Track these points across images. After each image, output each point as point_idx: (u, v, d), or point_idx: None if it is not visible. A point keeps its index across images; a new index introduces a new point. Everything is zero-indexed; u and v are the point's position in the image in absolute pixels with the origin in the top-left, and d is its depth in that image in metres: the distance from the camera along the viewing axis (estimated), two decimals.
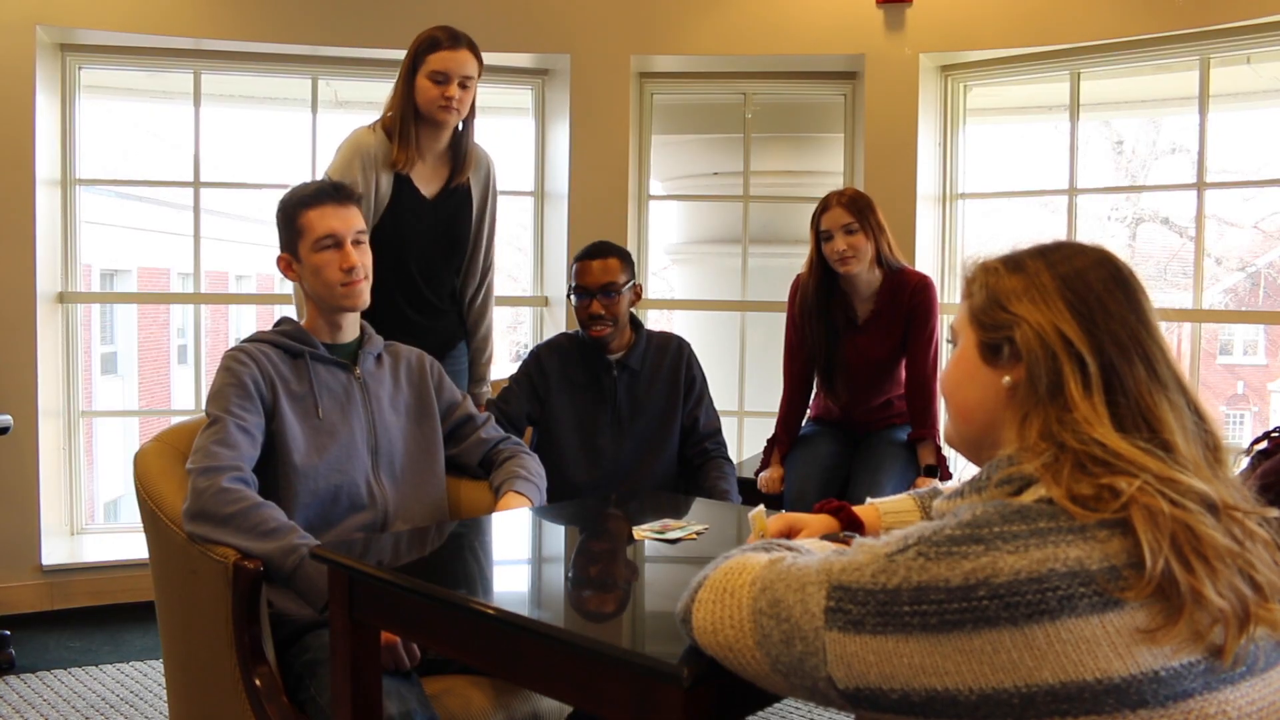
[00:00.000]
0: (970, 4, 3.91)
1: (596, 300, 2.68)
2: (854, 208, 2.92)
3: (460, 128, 2.80)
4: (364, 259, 2.08)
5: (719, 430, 2.89)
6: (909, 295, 2.97)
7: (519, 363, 2.94)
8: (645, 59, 4.18)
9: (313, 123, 4.15)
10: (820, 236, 2.96)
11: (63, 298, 4.00)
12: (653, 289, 4.42)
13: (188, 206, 4.18)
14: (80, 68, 4.02)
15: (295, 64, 4.11)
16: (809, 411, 3.25)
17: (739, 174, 4.44)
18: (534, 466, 2.23)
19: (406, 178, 2.73)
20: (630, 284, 2.74)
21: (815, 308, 3.03)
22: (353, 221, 2.07)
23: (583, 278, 2.71)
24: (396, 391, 2.16)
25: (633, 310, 2.80)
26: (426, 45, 2.70)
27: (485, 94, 4.48)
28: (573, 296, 2.74)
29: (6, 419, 3.38)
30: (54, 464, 3.97)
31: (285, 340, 2.05)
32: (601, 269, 2.69)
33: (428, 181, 2.78)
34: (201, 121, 4.15)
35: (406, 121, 2.69)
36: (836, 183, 4.27)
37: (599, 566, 1.73)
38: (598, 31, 4.08)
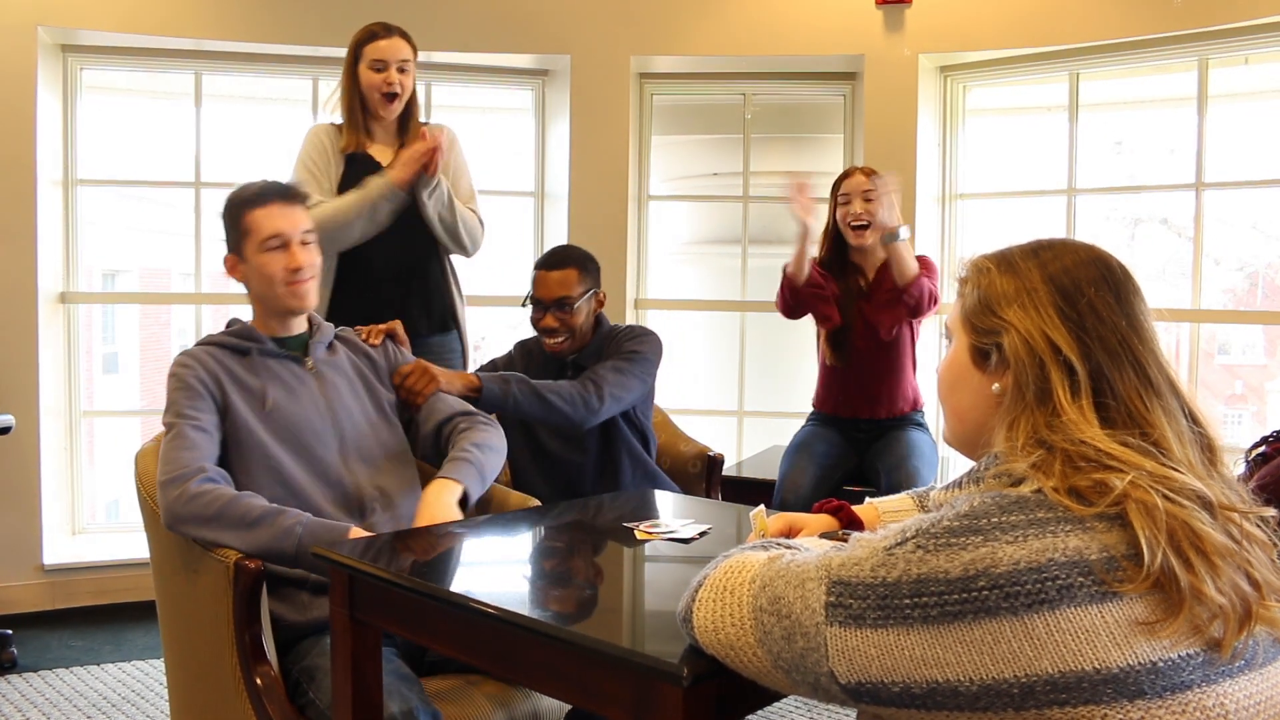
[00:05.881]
0: (969, 5, 3.92)
1: (550, 314, 2.57)
2: (875, 178, 2.99)
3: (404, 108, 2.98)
4: (311, 258, 2.05)
5: (597, 370, 2.54)
6: None
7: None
8: (645, 60, 4.19)
9: (314, 123, 4.15)
10: (838, 201, 3.01)
11: (64, 298, 4.01)
12: (653, 289, 4.42)
13: (189, 207, 4.19)
14: (82, 68, 4.03)
15: (295, 65, 4.12)
16: (813, 403, 3.25)
17: (739, 174, 4.45)
18: (483, 437, 2.12)
19: (363, 154, 2.92)
20: (589, 294, 2.62)
21: (831, 269, 3.09)
22: (299, 221, 2.05)
23: (538, 289, 2.59)
24: (356, 377, 2.14)
25: (600, 313, 2.69)
26: (364, 39, 2.92)
27: (485, 94, 4.51)
28: (529, 305, 2.63)
29: (8, 419, 3.39)
30: (56, 463, 3.98)
31: (232, 340, 2.04)
32: (558, 281, 2.57)
33: (384, 156, 2.93)
34: (202, 122, 4.16)
35: (354, 110, 2.92)
36: None
37: (599, 566, 1.73)
38: (598, 32, 4.09)
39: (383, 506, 2.03)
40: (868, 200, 2.97)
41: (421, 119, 3.10)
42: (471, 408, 2.27)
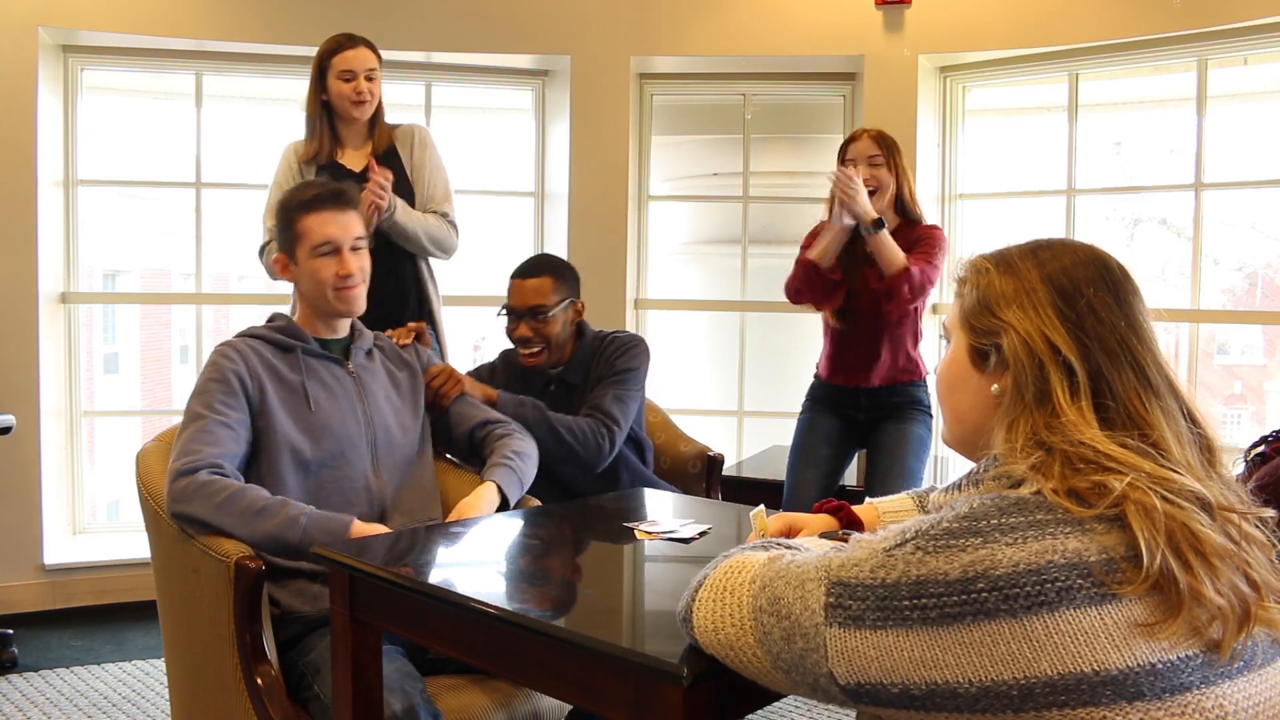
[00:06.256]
0: (969, 5, 3.92)
1: (524, 323, 2.52)
2: (882, 142, 2.97)
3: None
4: (362, 263, 2.09)
5: (604, 405, 2.49)
6: (918, 234, 2.99)
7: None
8: (645, 60, 4.19)
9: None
10: (844, 165, 2.98)
11: (65, 298, 4.01)
12: (653, 289, 4.43)
13: (190, 207, 4.20)
14: (82, 69, 4.03)
15: (295, 65, 4.12)
16: (816, 369, 3.23)
17: (739, 174, 4.45)
18: (521, 446, 2.20)
19: (333, 162, 2.99)
20: (566, 303, 2.56)
21: None
22: (352, 227, 2.08)
23: (512, 297, 2.55)
24: (391, 384, 2.17)
25: (581, 321, 2.64)
26: (330, 50, 2.99)
27: (485, 94, 4.51)
28: (504, 314, 2.59)
29: (9, 419, 3.39)
30: (56, 463, 3.98)
31: (277, 335, 2.06)
32: (533, 289, 2.52)
33: (354, 162, 3.02)
34: (203, 122, 4.16)
35: (315, 120, 3.02)
36: None
37: (599, 566, 1.74)
38: (598, 33, 4.09)
39: (403, 515, 2.05)
40: (873, 165, 2.95)
41: (417, 119, 3.13)
42: (501, 415, 2.30)
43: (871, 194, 2.93)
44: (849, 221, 2.90)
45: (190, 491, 1.82)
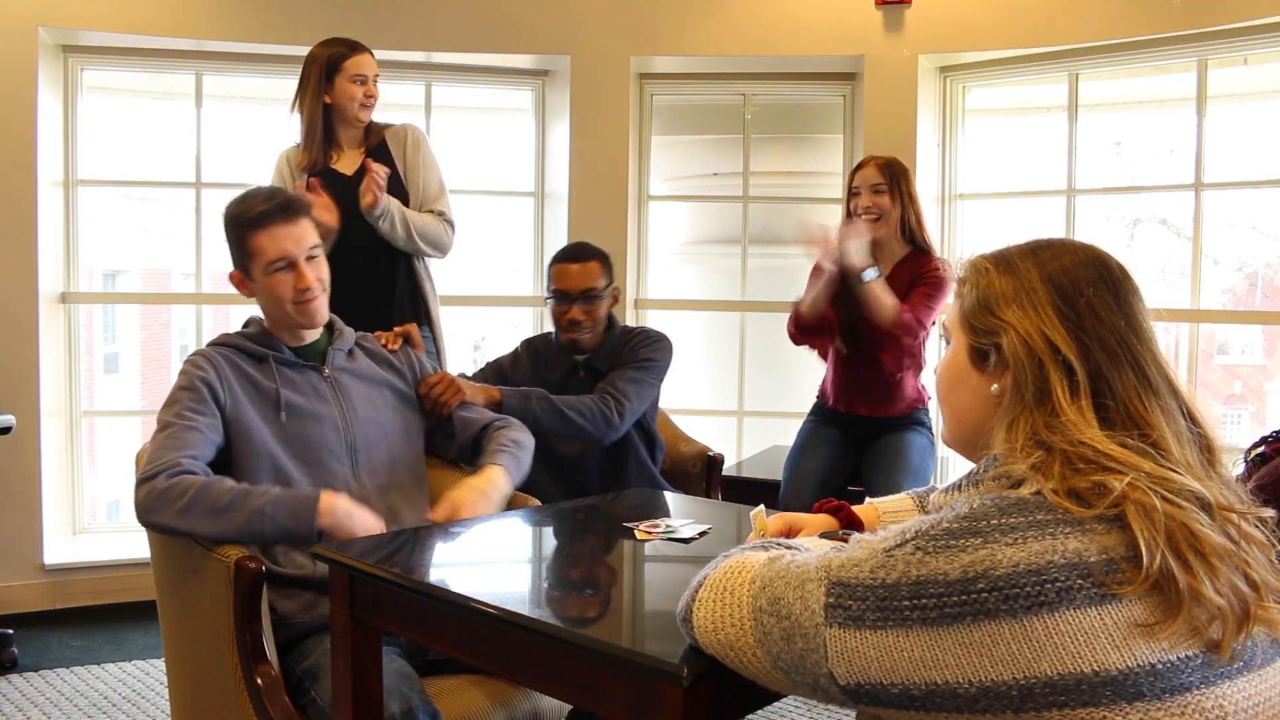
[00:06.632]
0: (969, 5, 3.93)
1: (576, 306, 2.61)
2: (887, 170, 3.00)
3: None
4: (319, 273, 2.03)
5: (617, 383, 2.58)
6: (925, 269, 2.99)
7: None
8: (645, 60, 4.19)
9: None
10: (851, 192, 3.03)
11: (65, 298, 4.01)
12: (653, 289, 4.43)
13: (190, 207, 4.19)
14: (82, 69, 4.03)
15: (295, 65, 4.10)
16: (819, 390, 3.24)
17: (739, 174, 4.45)
18: (518, 435, 2.21)
19: (328, 168, 3.01)
20: (610, 287, 2.68)
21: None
22: (305, 238, 2.01)
23: (562, 281, 2.64)
24: (374, 386, 2.14)
25: (611, 313, 2.73)
26: (339, 56, 3.05)
27: (485, 94, 4.51)
28: (551, 300, 2.67)
29: (9, 419, 3.39)
30: (56, 463, 3.98)
31: (249, 344, 2.03)
32: (582, 273, 2.62)
33: (348, 166, 3.05)
34: (203, 122, 4.16)
35: (315, 124, 3.04)
36: (836, 183, 4.28)
37: (599, 566, 1.74)
38: (598, 33, 4.09)
39: (390, 520, 2.02)
40: (876, 193, 2.97)
41: (417, 119, 3.13)
42: (502, 415, 2.32)
43: (875, 220, 2.94)
44: (832, 268, 2.90)
45: (152, 500, 1.79)
